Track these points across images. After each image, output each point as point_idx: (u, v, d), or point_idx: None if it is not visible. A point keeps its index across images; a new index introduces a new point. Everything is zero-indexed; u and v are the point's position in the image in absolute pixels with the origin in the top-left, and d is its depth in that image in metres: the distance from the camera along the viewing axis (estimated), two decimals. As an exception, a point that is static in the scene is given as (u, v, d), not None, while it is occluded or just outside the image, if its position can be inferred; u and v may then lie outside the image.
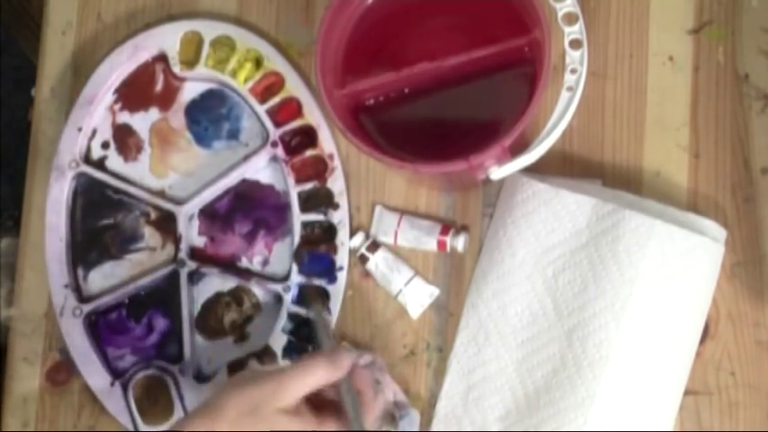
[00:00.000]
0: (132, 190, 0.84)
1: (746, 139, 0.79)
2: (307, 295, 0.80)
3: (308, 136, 0.83)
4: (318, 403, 0.66)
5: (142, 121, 0.85)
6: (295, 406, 0.64)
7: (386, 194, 0.82)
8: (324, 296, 0.81)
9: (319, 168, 0.82)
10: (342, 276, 0.81)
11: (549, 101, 0.71)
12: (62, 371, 0.83)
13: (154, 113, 0.85)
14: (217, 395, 0.65)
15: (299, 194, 0.82)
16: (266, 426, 0.63)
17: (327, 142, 0.82)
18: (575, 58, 0.69)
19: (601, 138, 0.81)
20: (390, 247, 0.81)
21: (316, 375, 0.64)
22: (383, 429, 0.76)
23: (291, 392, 0.64)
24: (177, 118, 0.85)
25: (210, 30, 0.85)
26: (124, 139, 0.85)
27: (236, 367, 0.81)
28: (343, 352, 0.67)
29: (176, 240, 0.83)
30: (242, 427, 0.63)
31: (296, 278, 0.81)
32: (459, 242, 0.79)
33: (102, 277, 0.84)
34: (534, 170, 0.73)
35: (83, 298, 0.83)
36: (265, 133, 0.83)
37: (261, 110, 0.83)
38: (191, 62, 0.84)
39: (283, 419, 0.63)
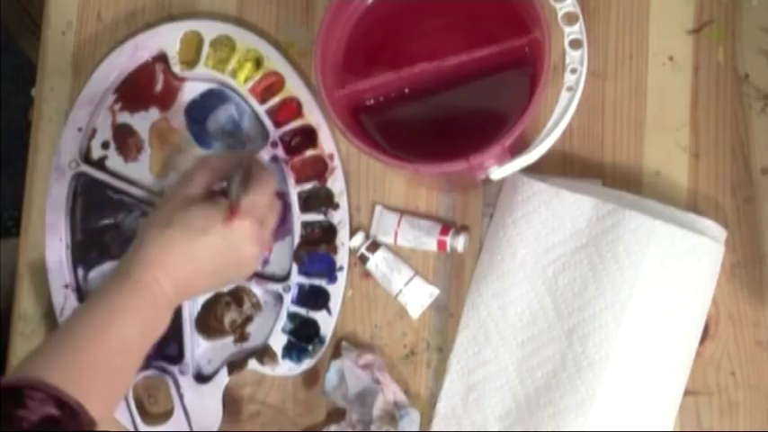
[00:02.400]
0: (132, 190, 0.84)
1: (746, 139, 0.79)
2: None
3: (308, 136, 0.83)
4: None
5: (142, 121, 0.85)
6: (203, 194, 0.71)
7: (386, 194, 0.82)
8: (325, 296, 0.81)
9: (319, 168, 0.82)
10: (342, 276, 0.81)
11: (549, 101, 0.71)
12: (62, 371, 0.83)
13: (154, 113, 0.85)
14: (140, 231, 0.71)
15: (299, 194, 0.82)
16: (184, 212, 0.69)
17: (327, 142, 0.82)
18: (575, 58, 0.69)
19: (601, 138, 0.81)
20: (390, 247, 0.81)
21: (210, 164, 0.73)
22: (383, 429, 0.76)
23: (195, 181, 0.71)
24: (177, 118, 0.85)
25: (210, 30, 0.85)
26: (124, 139, 0.85)
27: (235, 367, 0.81)
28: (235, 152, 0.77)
29: (176, 240, 0.83)
30: (167, 230, 0.69)
31: (296, 278, 0.81)
32: (459, 242, 0.79)
33: (103, 277, 0.84)
34: (534, 170, 0.73)
35: (83, 298, 0.83)
36: (265, 133, 0.83)
37: (261, 110, 0.83)
38: (191, 62, 0.84)
39: (196, 203, 0.70)
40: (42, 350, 0.65)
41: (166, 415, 0.81)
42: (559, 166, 0.80)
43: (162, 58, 0.85)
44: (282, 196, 0.81)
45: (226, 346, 0.82)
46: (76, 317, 0.68)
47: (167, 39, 0.85)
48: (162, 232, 0.69)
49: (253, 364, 0.81)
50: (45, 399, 0.60)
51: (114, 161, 0.85)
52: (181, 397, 0.81)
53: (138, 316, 0.67)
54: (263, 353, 0.81)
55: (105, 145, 0.85)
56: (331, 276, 0.81)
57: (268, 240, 0.74)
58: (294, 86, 0.83)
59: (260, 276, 0.82)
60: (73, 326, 0.66)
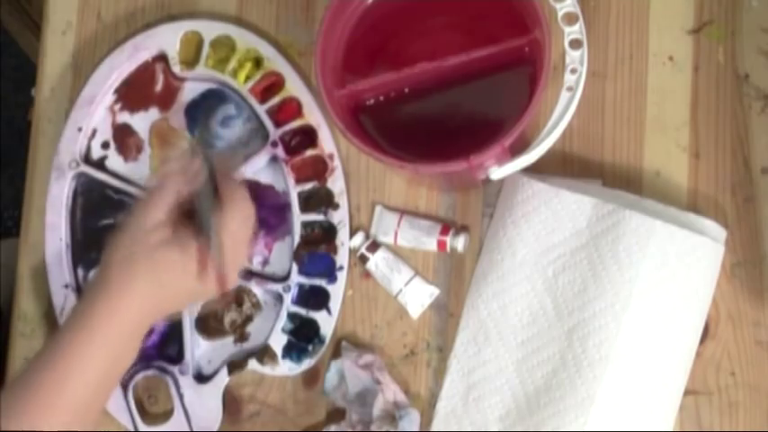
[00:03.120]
0: (132, 190, 0.84)
1: (746, 139, 0.79)
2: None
3: (308, 136, 0.83)
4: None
5: (142, 121, 0.85)
6: (165, 218, 0.66)
7: (386, 194, 0.82)
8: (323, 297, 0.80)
9: (319, 168, 0.82)
10: (342, 276, 0.81)
11: (549, 101, 0.71)
12: (62, 371, 0.83)
13: (154, 113, 0.85)
14: (104, 254, 0.67)
15: (299, 194, 0.82)
16: (145, 241, 0.65)
17: (327, 142, 0.82)
18: (575, 58, 0.69)
19: (601, 138, 0.81)
20: (390, 247, 0.81)
21: (172, 184, 0.67)
22: (383, 429, 0.76)
23: (156, 205, 0.66)
24: (177, 118, 0.85)
25: (210, 30, 0.85)
26: (124, 139, 0.85)
27: (235, 367, 0.81)
28: (198, 159, 0.68)
29: (176, 240, 0.83)
30: (130, 257, 0.65)
31: (296, 278, 0.81)
32: (459, 242, 0.79)
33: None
34: (534, 170, 0.73)
35: (83, 298, 0.83)
36: (265, 133, 0.83)
37: (261, 110, 0.83)
38: (191, 62, 0.84)
39: (159, 229, 0.66)
40: (5, 400, 0.63)
41: (166, 415, 0.81)
42: (559, 166, 0.80)
43: (162, 58, 0.85)
44: (250, 186, 0.77)
45: (226, 346, 0.82)
46: (36, 363, 0.65)
47: (167, 39, 0.85)
48: (125, 273, 0.65)
49: (253, 364, 0.81)
50: None
51: (114, 161, 0.85)
52: (181, 397, 0.81)
53: (99, 361, 0.65)
54: (263, 353, 0.81)
55: (105, 145, 0.85)
56: (331, 276, 0.81)
57: (246, 254, 0.71)
58: (294, 86, 0.83)
59: (260, 276, 0.82)
60: (32, 377, 0.64)
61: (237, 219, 0.68)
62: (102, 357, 0.65)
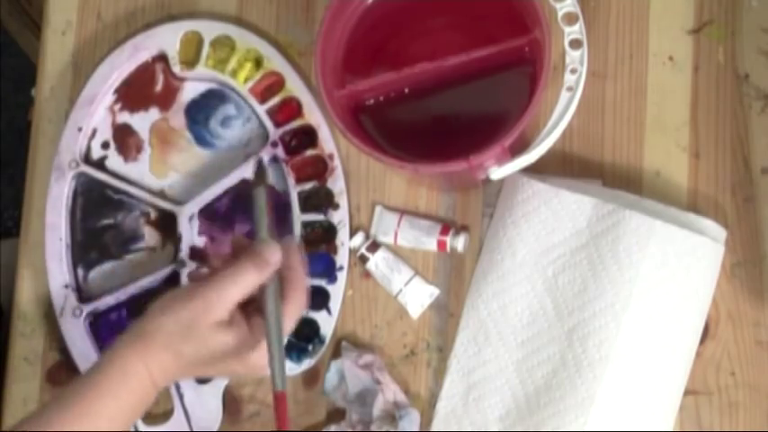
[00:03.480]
0: (132, 190, 0.84)
1: (746, 139, 0.79)
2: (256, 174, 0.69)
3: (308, 136, 0.83)
4: (246, 304, 0.64)
5: (142, 121, 0.85)
6: (229, 317, 0.62)
7: (386, 194, 0.82)
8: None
9: (319, 168, 0.82)
10: (342, 276, 0.81)
11: (549, 101, 0.71)
12: (62, 371, 0.83)
13: (154, 113, 0.85)
14: (146, 318, 0.63)
15: (299, 194, 0.82)
16: (202, 342, 0.62)
17: (327, 142, 0.82)
18: (575, 58, 0.69)
19: (601, 138, 0.81)
20: (390, 247, 0.81)
21: (245, 281, 0.62)
22: (383, 429, 0.76)
23: (223, 304, 0.62)
24: (177, 118, 0.85)
25: (210, 30, 0.85)
26: (124, 139, 0.85)
27: (236, 367, 0.81)
28: (269, 247, 0.63)
29: (176, 240, 0.83)
30: (177, 347, 0.62)
31: (296, 278, 0.81)
32: (459, 242, 0.79)
33: (102, 277, 0.84)
34: (534, 170, 0.73)
35: (83, 298, 0.83)
36: (265, 133, 0.83)
37: (261, 110, 0.83)
38: (191, 62, 0.84)
39: (218, 334, 0.62)
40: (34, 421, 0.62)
41: (166, 415, 0.81)
42: (559, 166, 0.80)
43: (162, 58, 0.85)
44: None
45: (226, 346, 0.82)
46: (67, 396, 0.63)
47: (167, 39, 0.85)
48: (167, 352, 0.62)
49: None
50: None
51: (114, 161, 0.85)
52: (181, 397, 0.81)
53: (119, 402, 0.63)
54: (263, 353, 0.81)
55: (105, 145, 0.85)
56: (331, 276, 0.81)
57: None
58: (294, 86, 0.83)
59: (260, 276, 0.82)
60: (50, 412, 0.63)
61: (297, 314, 0.64)
62: (114, 409, 0.63)
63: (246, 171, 0.83)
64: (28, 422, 0.62)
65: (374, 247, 0.81)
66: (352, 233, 0.82)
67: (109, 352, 0.64)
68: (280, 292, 0.63)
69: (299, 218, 0.82)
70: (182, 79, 0.85)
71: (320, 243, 0.81)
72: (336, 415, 0.80)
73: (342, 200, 0.82)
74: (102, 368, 0.63)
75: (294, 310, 0.64)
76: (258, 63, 0.84)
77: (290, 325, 0.64)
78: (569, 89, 0.69)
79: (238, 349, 0.63)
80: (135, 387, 0.63)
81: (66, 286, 0.83)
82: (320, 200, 0.82)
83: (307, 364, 0.80)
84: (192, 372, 0.65)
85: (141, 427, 0.81)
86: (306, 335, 0.81)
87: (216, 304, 0.62)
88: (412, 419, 0.77)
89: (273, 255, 0.63)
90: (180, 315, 0.62)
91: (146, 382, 0.63)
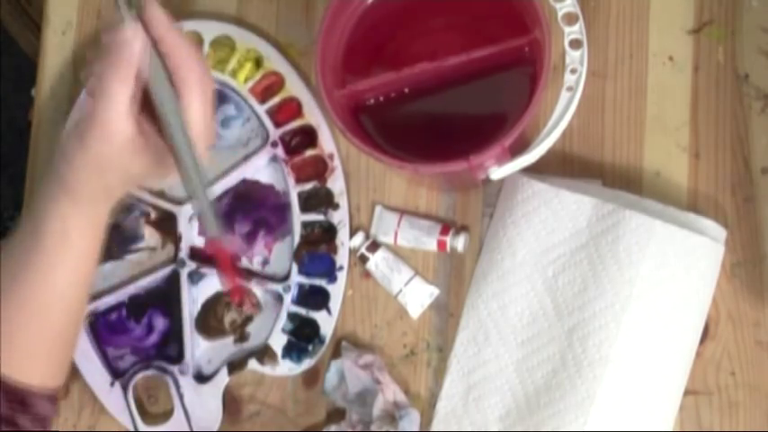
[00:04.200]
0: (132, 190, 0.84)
1: (746, 139, 0.79)
2: None
3: (308, 136, 0.83)
4: None
5: (142, 121, 0.85)
6: (136, 130, 0.56)
7: (386, 194, 0.82)
8: (324, 295, 0.80)
9: (319, 168, 0.82)
10: (342, 276, 0.81)
11: (549, 101, 0.71)
12: (62, 371, 0.83)
13: (154, 113, 0.85)
14: (62, 168, 0.59)
15: (299, 194, 0.82)
16: (123, 172, 0.58)
17: (327, 142, 0.82)
18: (575, 58, 0.69)
19: (601, 138, 0.81)
20: (390, 247, 0.81)
21: (117, 76, 0.54)
22: (383, 429, 0.76)
23: (116, 117, 0.55)
24: (177, 118, 0.85)
25: (210, 30, 0.85)
26: (124, 139, 0.85)
27: (235, 367, 0.81)
28: (118, 27, 0.55)
29: (176, 240, 0.83)
30: (102, 185, 0.59)
31: (296, 278, 0.81)
32: (459, 242, 0.79)
33: (102, 277, 0.84)
34: (534, 170, 0.73)
35: (83, 298, 0.83)
36: (265, 133, 0.83)
37: (261, 110, 0.83)
38: (191, 62, 0.84)
39: (134, 157, 0.57)
40: None
41: (166, 415, 0.81)
42: (559, 166, 0.80)
43: (162, 58, 0.85)
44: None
45: (226, 346, 0.82)
46: (14, 240, 0.61)
47: (167, 39, 0.85)
48: (98, 184, 0.58)
49: (253, 364, 0.81)
50: None
51: (114, 161, 0.85)
52: (181, 397, 0.81)
53: (62, 268, 0.60)
54: (263, 353, 0.81)
55: (105, 145, 0.85)
56: (331, 276, 0.81)
57: (213, 127, 0.60)
58: (294, 86, 0.83)
59: (260, 276, 0.82)
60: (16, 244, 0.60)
61: (199, 102, 0.56)
62: (62, 276, 0.62)
63: (247, 171, 0.83)
64: None
65: (374, 247, 0.81)
66: (352, 233, 0.82)
67: (37, 214, 0.60)
68: (170, 83, 0.56)
69: (298, 218, 0.82)
70: (182, 79, 0.85)
71: (320, 243, 0.81)
72: (336, 415, 0.80)
73: (342, 200, 0.82)
74: (40, 233, 0.60)
75: (194, 100, 0.56)
76: (258, 63, 0.84)
77: (197, 120, 0.56)
78: (569, 89, 0.69)
79: (162, 161, 0.58)
80: (79, 244, 0.60)
81: (66, 286, 0.83)
82: (320, 200, 0.82)
83: (307, 364, 0.80)
84: (125, 190, 0.61)
85: (141, 427, 0.81)
86: (306, 335, 0.81)
87: (110, 122, 0.55)
88: (412, 419, 0.77)
89: (126, 32, 0.54)
90: (88, 155, 0.56)
91: (86, 232, 0.60)
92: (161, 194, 0.84)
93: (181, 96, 0.56)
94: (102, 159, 0.57)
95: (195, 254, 0.83)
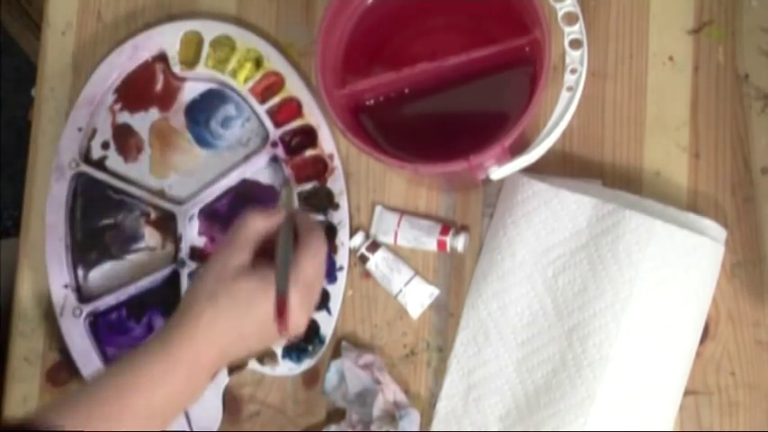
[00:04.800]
0: (132, 190, 0.84)
1: (746, 139, 0.79)
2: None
3: (308, 136, 0.83)
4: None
5: (142, 121, 0.85)
6: (249, 261, 0.66)
7: (386, 194, 0.82)
8: (324, 297, 0.81)
9: (319, 168, 0.82)
10: (342, 276, 0.81)
11: (549, 101, 0.71)
12: (62, 371, 0.83)
13: (154, 113, 0.85)
14: (185, 300, 0.67)
15: (299, 194, 0.82)
16: (231, 287, 0.65)
17: (327, 142, 0.82)
18: (575, 58, 0.69)
19: (601, 138, 0.81)
20: (390, 247, 0.81)
21: (253, 225, 0.67)
22: (383, 429, 0.76)
23: (240, 248, 0.67)
24: (177, 118, 0.85)
25: (210, 30, 0.85)
26: (124, 139, 0.85)
27: (235, 367, 0.81)
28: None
29: (176, 240, 0.83)
30: (216, 300, 0.65)
31: (296, 278, 0.81)
32: (459, 242, 0.79)
33: (102, 277, 0.84)
34: (534, 170, 0.73)
35: (83, 298, 0.83)
36: (265, 133, 0.83)
37: (261, 110, 0.83)
38: (191, 62, 0.84)
39: (241, 276, 0.65)
40: (63, 400, 0.63)
41: (166, 415, 0.81)
42: (559, 166, 0.80)
43: (162, 58, 0.85)
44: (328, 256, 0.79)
45: (226, 346, 0.82)
46: (107, 374, 0.65)
47: (167, 39, 0.85)
48: (207, 304, 0.65)
49: (253, 364, 0.80)
50: None
51: (114, 161, 0.85)
52: (181, 397, 0.81)
53: (170, 388, 0.64)
54: (263, 353, 0.81)
55: (105, 145, 0.85)
56: (331, 276, 0.81)
57: (315, 303, 0.69)
58: (294, 86, 0.83)
59: (260, 276, 0.82)
60: (100, 382, 0.64)
61: (311, 258, 0.67)
62: (171, 384, 0.64)
63: (247, 171, 0.83)
64: (49, 407, 0.62)
65: (374, 247, 0.81)
66: (352, 233, 0.82)
67: (164, 330, 0.65)
68: (293, 238, 0.67)
69: (299, 218, 0.82)
70: (182, 79, 0.85)
71: (320, 243, 0.81)
72: (336, 415, 0.80)
73: (342, 200, 0.82)
74: (151, 355, 0.64)
75: (307, 251, 0.67)
76: (258, 63, 0.84)
77: (306, 267, 0.66)
78: (569, 89, 0.69)
79: (263, 291, 0.65)
80: (185, 374, 0.64)
81: (66, 286, 0.83)
82: (320, 200, 0.82)
83: (307, 364, 0.80)
84: (238, 341, 0.66)
85: (141, 427, 0.81)
86: (306, 335, 0.81)
87: (235, 246, 0.67)
88: (412, 419, 0.77)
89: (279, 211, 0.69)
90: (211, 265, 0.67)
91: (195, 367, 0.65)
92: (161, 194, 0.84)
93: (299, 242, 0.67)
94: (218, 277, 0.66)
95: (195, 254, 0.83)
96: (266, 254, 0.67)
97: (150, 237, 0.84)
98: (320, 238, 0.68)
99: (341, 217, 0.81)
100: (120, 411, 0.62)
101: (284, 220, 0.68)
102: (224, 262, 0.66)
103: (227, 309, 0.65)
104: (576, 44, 0.70)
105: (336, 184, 0.82)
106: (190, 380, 0.65)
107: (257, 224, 0.68)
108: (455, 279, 0.81)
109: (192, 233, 0.83)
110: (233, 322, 0.65)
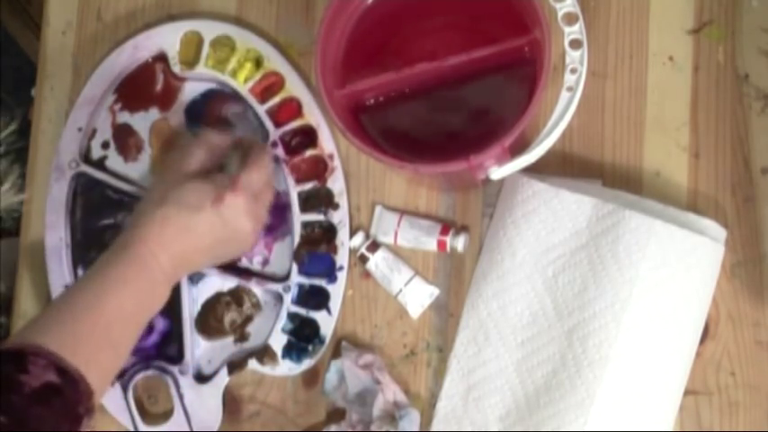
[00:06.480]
0: (132, 190, 0.84)
1: (746, 139, 0.79)
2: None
3: (308, 136, 0.83)
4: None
5: (142, 121, 0.85)
6: (198, 171, 0.73)
7: (386, 194, 0.82)
8: (324, 296, 0.81)
9: (319, 168, 0.82)
10: (342, 276, 0.81)
11: (549, 101, 0.71)
12: (62, 371, 0.83)
13: (154, 113, 0.85)
14: (140, 205, 0.73)
15: (299, 194, 0.82)
16: (180, 191, 0.71)
17: (327, 142, 0.82)
18: (575, 58, 0.69)
19: (601, 138, 0.81)
20: (390, 247, 0.81)
21: (206, 135, 0.75)
22: (383, 429, 0.76)
23: (190, 154, 0.73)
24: (177, 118, 0.85)
25: (210, 30, 0.85)
26: (124, 138, 0.85)
27: (235, 367, 0.81)
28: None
29: (176, 240, 0.83)
30: (167, 202, 0.70)
31: (296, 278, 0.81)
32: (459, 242, 0.79)
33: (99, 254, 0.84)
34: (534, 170, 0.73)
35: (83, 298, 0.83)
36: (265, 133, 0.83)
37: (261, 110, 0.83)
38: (191, 62, 0.84)
39: (191, 181, 0.72)
40: (42, 318, 0.66)
41: (166, 415, 0.81)
42: (559, 166, 0.80)
43: (162, 58, 0.85)
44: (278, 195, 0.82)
45: (226, 346, 0.82)
46: (74, 288, 0.69)
47: (167, 39, 0.85)
48: (157, 209, 0.70)
49: (253, 364, 0.81)
50: (46, 365, 0.60)
51: (114, 161, 0.85)
52: (181, 397, 0.81)
53: (135, 288, 0.68)
54: (263, 353, 0.81)
55: (105, 145, 0.85)
56: (331, 276, 0.81)
57: (264, 216, 0.76)
58: (294, 86, 0.83)
59: (260, 276, 0.82)
60: (71, 296, 0.68)
61: (257, 169, 0.73)
62: (135, 284, 0.68)
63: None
64: (30, 329, 0.65)
65: (374, 247, 0.81)
66: (352, 233, 0.82)
67: (109, 252, 0.70)
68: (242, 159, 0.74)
69: (298, 218, 0.82)
70: (182, 79, 0.85)
71: (320, 243, 0.81)
72: (336, 415, 0.80)
73: (342, 200, 0.82)
74: (111, 261, 0.69)
75: (254, 163, 0.73)
76: (258, 63, 0.84)
77: (252, 174, 0.73)
78: (569, 89, 0.69)
79: (212, 193, 0.71)
80: (147, 275, 0.69)
81: (67, 286, 0.83)
82: (320, 200, 0.82)
83: (307, 364, 0.80)
84: (190, 246, 0.71)
85: (141, 427, 0.81)
86: (306, 335, 0.81)
87: (185, 157, 0.73)
88: (412, 419, 0.77)
89: (232, 135, 0.78)
90: (159, 179, 0.75)
91: (154, 266, 0.69)
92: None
93: (245, 163, 0.74)
94: (167, 181, 0.73)
95: (195, 254, 0.83)
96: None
97: (150, 237, 0.84)
98: (267, 156, 0.75)
99: (341, 217, 0.81)
100: (95, 318, 0.66)
101: (233, 140, 0.75)
102: (175, 168, 0.73)
103: (176, 211, 0.70)
104: (575, 44, 0.70)
105: (336, 184, 0.82)
106: (152, 282, 0.69)
107: (209, 137, 0.75)
108: (455, 279, 0.81)
109: (192, 233, 0.83)
110: (183, 223, 0.70)
